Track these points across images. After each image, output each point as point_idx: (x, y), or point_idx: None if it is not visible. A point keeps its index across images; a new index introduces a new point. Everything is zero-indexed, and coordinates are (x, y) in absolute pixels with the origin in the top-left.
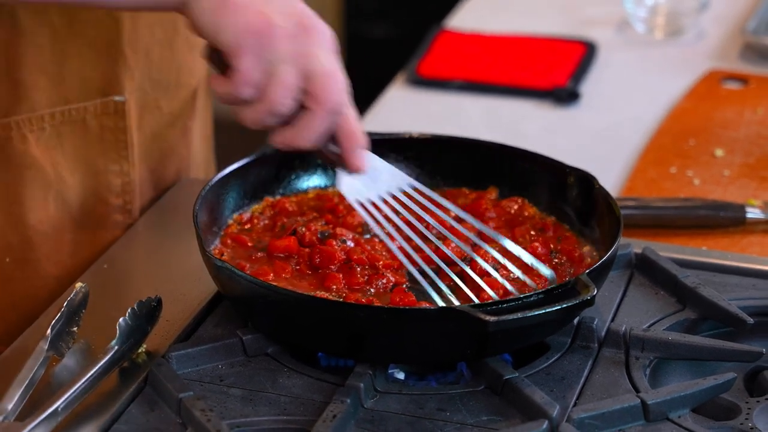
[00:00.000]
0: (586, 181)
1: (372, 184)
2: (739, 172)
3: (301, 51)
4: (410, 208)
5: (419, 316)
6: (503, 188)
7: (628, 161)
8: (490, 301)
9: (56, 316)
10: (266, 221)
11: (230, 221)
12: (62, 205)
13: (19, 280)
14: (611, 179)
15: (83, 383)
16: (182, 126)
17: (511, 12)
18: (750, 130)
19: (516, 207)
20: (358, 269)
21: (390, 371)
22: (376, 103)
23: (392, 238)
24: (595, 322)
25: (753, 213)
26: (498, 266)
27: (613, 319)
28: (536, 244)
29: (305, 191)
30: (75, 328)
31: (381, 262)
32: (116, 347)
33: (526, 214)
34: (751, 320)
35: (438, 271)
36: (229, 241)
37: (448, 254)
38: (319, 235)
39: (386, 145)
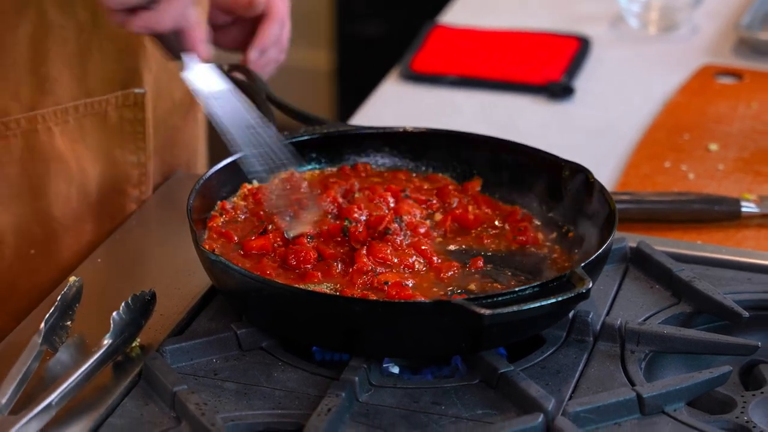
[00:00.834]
0: (580, 174)
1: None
2: (733, 167)
3: None
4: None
5: (414, 310)
6: (498, 181)
7: (622, 156)
8: (484, 294)
9: (50, 310)
10: (247, 214)
11: (213, 210)
12: (84, 197)
13: (44, 271)
14: (605, 174)
15: (77, 377)
16: (193, 116)
17: (505, 7)
18: (744, 124)
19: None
20: (335, 264)
21: (384, 365)
22: (370, 98)
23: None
24: (590, 316)
25: (748, 207)
26: None
27: (608, 313)
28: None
29: None
30: (69, 322)
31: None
32: (110, 341)
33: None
34: (746, 314)
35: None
36: (215, 236)
37: None
38: (285, 235)
39: (380, 139)
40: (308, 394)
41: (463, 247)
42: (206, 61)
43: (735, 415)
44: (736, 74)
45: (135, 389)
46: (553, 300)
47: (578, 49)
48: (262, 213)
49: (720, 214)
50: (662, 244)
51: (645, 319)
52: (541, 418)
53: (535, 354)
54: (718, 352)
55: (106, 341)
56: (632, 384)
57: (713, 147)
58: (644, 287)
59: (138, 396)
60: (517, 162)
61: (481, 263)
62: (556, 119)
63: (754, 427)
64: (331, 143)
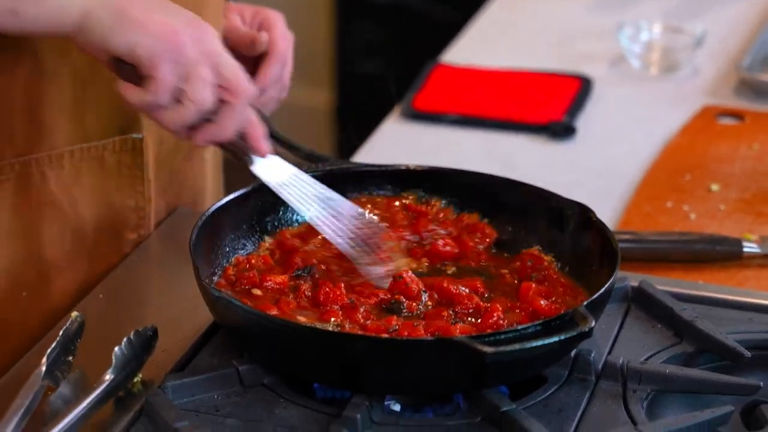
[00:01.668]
0: (582, 213)
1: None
2: (734, 207)
3: (206, 50)
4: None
5: (416, 347)
6: (499, 219)
7: (623, 196)
8: (487, 333)
9: (51, 345)
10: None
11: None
12: (78, 240)
13: (35, 312)
14: (607, 213)
15: (79, 412)
16: (198, 158)
17: (506, 47)
18: (746, 165)
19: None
20: (362, 309)
21: (386, 403)
22: (372, 136)
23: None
24: (592, 355)
25: (750, 247)
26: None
27: (610, 352)
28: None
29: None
30: (70, 358)
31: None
32: (112, 377)
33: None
34: (748, 354)
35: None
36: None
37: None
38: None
39: (383, 177)
40: (310, 431)
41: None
42: (268, 155)
43: None
44: (737, 115)
45: (136, 425)
46: (557, 338)
47: (580, 88)
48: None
49: (722, 254)
50: (664, 283)
51: (647, 359)
52: None
53: (537, 392)
54: (720, 391)
55: (108, 377)
56: (634, 423)
57: (715, 187)
58: (646, 326)
59: None
60: (518, 200)
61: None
62: (558, 159)
63: None
64: (334, 181)
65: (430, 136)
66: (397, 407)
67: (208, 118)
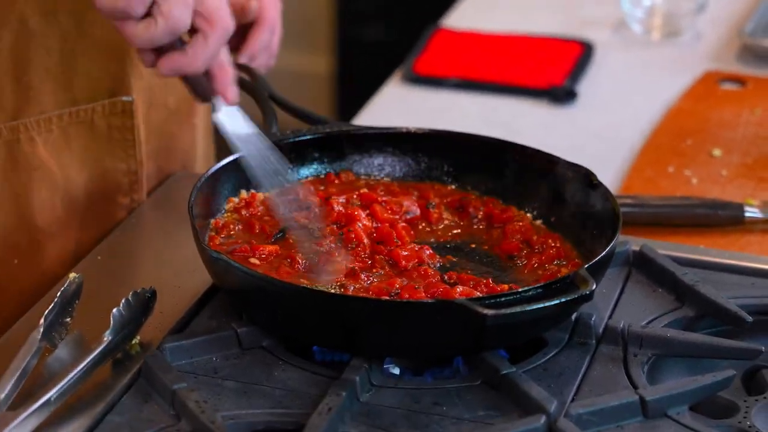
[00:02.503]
0: (584, 176)
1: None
2: (736, 172)
3: None
4: None
5: (416, 309)
6: (501, 184)
7: (625, 160)
8: (488, 295)
9: (49, 307)
10: (240, 226)
11: (210, 231)
12: (70, 205)
13: (26, 279)
14: (608, 178)
15: (76, 373)
16: (189, 123)
17: (508, 11)
18: (748, 130)
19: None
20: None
21: (385, 366)
22: (373, 100)
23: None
24: (593, 318)
25: (752, 212)
26: None
27: (611, 316)
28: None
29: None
30: (68, 319)
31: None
32: (110, 338)
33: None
34: (750, 318)
35: None
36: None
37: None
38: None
39: (383, 139)
40: (309, 393)
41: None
42: (233, 103)
43: (738, 420)
44: (739, 81)
45: (134, 387)
46: (557, 301)
47: (581, 53)
48: (267, 219)
49: (723, 219)
50: (665, 248)
51: (648, 323)
52: (543, 419)
53: (537, 356)
54: (721, 356)
55: (106, 338)
56: (635, 387)
57: (717, 152)
58: (647, 291)
59: (137, 393)
60: (519, 164)
61: None
62: (559, 123)
63: None
64: (333, 143)
65: (431, 100)
66: (396, 370)
67: (178, 48)
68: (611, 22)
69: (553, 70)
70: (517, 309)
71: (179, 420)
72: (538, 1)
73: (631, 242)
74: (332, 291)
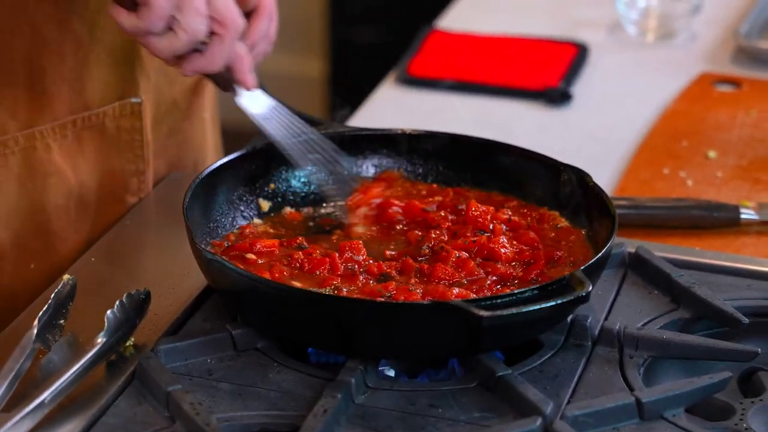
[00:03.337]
0: (579, 178)
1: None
2: (732, 174)
3: None
4: None
5: (412, 311)
6: (496, 184)
7: (620, 162)
8: (483, 297)
9: (43, 308)
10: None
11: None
12: (82, 208)
13: (41, 283)
14: (603, 179)
15: (70, 375)
16: (197, 117)
17: (502, 13)
18: (743, 132)
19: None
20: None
21: (380, 368)
22: (367, 101)
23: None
24: (588, 320)
25: (747, 214)
26: None
27: (606, 318)
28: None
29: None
30: (62, 321)
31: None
32: (104, 340)
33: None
34: (746, 320)
35: None
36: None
37: None
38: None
39: (378, 141)
40: (304, 395)
41: None
42: (254, 89)
43: (734, 422)
44: (734, 82)
45: (129, 388)
46: (553, 303)
47: (576, 55)
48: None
49: (719, 220)
50: (661, 249)
51: (644, 325)
52: (539, 421)
53: (533, 358)
54: (717, 358)
55: (100, 340)
56: (631, 389)
57: (712, 154)
58: (643, 293)
59: (131, 395)
60: (515, 165)
61: None
62: (554, 125)
63: None
64: None
65: (426, 101)
66: (391, 372)
67: (197, 49)
68: (606, 23)
69: (548, 71)
70: (513, 311)
71: (174, 422)
72: (533, 2)
73: (626, 244)
74: (326, 293)
